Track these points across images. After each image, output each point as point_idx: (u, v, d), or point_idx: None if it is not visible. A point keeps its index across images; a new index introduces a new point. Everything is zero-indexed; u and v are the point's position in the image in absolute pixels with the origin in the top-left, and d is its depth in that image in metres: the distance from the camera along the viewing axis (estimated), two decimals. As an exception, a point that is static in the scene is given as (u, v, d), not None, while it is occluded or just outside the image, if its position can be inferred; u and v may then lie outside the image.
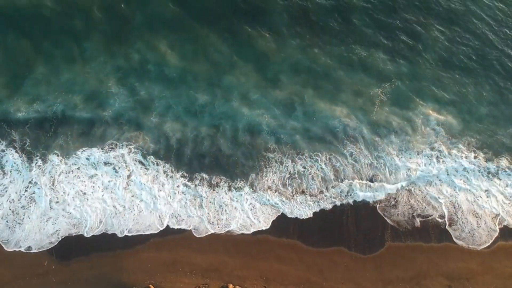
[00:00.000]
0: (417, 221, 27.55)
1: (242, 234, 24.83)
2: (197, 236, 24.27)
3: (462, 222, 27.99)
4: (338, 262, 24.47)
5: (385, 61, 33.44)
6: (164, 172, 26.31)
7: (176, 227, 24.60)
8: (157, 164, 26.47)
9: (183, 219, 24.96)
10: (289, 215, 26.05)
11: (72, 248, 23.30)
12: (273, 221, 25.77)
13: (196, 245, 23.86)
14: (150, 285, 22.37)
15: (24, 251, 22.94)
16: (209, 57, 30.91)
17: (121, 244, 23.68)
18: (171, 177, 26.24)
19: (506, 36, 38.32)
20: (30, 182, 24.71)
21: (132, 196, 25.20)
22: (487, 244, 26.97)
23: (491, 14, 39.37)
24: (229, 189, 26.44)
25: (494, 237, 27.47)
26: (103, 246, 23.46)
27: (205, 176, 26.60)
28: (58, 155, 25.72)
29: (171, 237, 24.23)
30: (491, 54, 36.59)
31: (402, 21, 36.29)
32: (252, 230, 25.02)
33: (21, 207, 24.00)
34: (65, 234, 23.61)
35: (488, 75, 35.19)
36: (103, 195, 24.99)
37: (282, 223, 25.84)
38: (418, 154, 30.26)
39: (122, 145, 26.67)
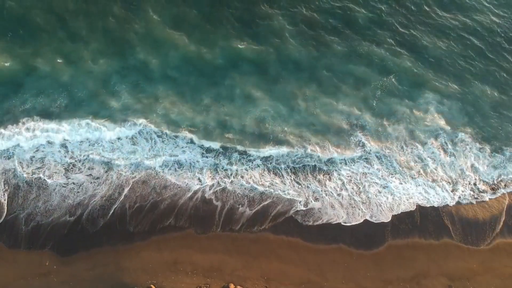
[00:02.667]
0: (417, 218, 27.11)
1: (243, 232, 24.32)
2: (199, 235, 23.82)
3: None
4: (339, 262, 24.02)
5: (387, 55, 32.23)
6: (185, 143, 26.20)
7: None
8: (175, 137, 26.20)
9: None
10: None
11: (73, 247, 22.74)
12: (273, 217, 25.25)
13: (197, 244, 23.29)
14: (152, 285, 21.95)
15: (25, 250, 22.50)
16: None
17: (122, 242, 23.14)
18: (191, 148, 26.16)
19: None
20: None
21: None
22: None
23: (495, 4, 37.96)
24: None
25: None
26: (105, 245, 22.90)
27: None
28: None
29: (172, 235, 23.64)
30: (495, 48, 35.47)
31: (404, 16, 34.85)
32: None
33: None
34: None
35: (491, 69, 34.24)
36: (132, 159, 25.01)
37: (282, 221, 25.34)
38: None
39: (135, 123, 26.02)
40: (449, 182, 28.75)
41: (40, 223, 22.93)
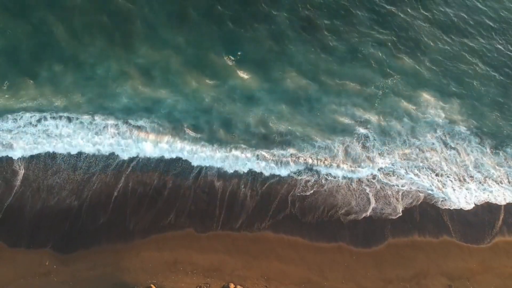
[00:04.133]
0: (417, 215, 26.77)
1: (243, 231, 23.93)
2: (199, 234, 23.43)
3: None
4: (338, 261, 23.67)
5: (388, 56, 31.64)
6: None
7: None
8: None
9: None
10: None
11: (73, 247, 22.37)
12: (273, 213, 24.81)
13: (197, 244, 22.90)
14: (152, 285, 21.63)
15: (25, 249, 22.15)
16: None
17: (122, 241, 22.76)
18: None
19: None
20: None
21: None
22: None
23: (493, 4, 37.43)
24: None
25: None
26: (105, 245, 22.50)
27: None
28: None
29: (172, 234, 23.23)
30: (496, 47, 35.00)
31: (404, 16, 34.15)
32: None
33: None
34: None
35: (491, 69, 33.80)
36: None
37: (282, 218, 24.95)
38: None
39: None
40: (455, 179, 28.53)
41: (46, 204, 22.57)
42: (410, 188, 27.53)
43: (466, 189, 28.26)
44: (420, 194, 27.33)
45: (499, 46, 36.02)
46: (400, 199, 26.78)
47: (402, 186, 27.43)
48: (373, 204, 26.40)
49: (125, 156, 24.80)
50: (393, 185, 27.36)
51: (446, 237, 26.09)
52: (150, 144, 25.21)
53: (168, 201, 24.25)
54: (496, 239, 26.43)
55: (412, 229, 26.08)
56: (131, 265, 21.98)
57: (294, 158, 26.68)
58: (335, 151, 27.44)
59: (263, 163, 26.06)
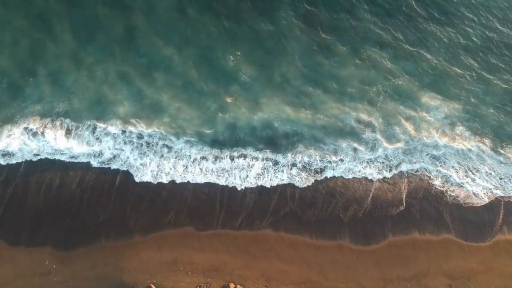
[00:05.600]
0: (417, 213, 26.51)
1: (243, 230, 23.62)
2: (200, 233, 23.10)
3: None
4: (339, 261, 23.40)
5: (390, 58, 31.14)
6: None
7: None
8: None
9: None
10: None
11: (73, 246, 22.09)
12: (272, 210, 24.52)
13: (197, 244, 22.60)
14: (152, 285, 21.39)
15: (25, 247, 21.86)
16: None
17: (122, 240, 22.45)
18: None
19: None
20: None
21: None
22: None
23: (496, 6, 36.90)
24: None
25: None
26: (105, 244, 22.21)
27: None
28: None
29: (172, 233, 22.93)
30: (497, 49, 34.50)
31: (406, 18, 33.53)
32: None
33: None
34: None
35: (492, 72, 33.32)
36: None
37: (282, 216, 24.65)
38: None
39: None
40: (460, 169, 28.60)
41: (45, 204, 22.31)
42: (416, 172, 27.63)
43: (473, 182, 28.24)
44: (424, 179, 27.10)
45: (499, 49, 35.63)
46: (404, 186, 26.60)
47: (405, 169, 27.66)
48: (376, 185, 26.16)
49: (123, 167, 24.33)
50: (398, 171, 27.45)
51: (446, 235, 25.80)
52: (151, 155, 24.79)
53: (168, 199, 23.89)
54: (497, 238, 26.16)
55: (412, 227, 25.79)
56: (131, 264, 21.72)
57: (299, 159, 26.42)
58: (340, 151, 27.17)
59: (271, 171, 25.74)
